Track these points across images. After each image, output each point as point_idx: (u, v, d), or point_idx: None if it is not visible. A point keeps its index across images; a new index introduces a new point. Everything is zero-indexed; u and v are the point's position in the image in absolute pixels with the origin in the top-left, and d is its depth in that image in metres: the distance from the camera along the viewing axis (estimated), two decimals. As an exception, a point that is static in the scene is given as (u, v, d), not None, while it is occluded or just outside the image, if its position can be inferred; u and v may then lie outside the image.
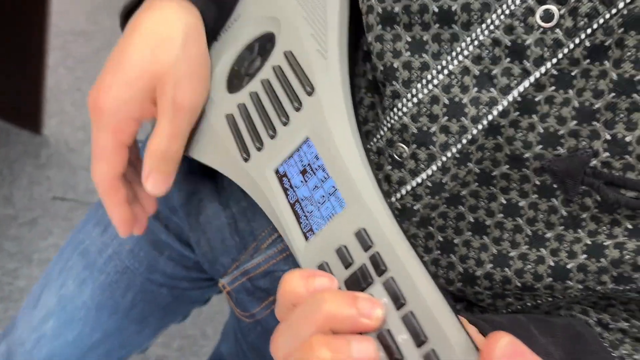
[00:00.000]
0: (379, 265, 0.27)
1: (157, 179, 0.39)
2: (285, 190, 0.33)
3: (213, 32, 0.43)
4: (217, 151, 0.39)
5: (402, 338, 0.25)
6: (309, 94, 0.34)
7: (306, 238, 0.31)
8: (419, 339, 0.24)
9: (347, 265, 0.28)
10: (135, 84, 0.37)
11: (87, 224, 0.59)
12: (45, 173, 1.38)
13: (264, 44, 0.39)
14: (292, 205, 0.32)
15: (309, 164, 0.32)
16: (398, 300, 0.25)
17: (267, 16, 0.40)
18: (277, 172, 0.34)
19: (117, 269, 0.57)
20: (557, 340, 0.32)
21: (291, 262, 0.47)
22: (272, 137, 0.35)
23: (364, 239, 0.28)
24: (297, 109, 0.34)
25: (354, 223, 0.29)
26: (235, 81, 0.40)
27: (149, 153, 0.38)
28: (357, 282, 0.27)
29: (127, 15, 0.42)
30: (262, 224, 0.49)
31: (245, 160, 0.35)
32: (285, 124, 0.34)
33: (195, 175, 0.52)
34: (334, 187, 0.30)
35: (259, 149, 0.35)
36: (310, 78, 0.34)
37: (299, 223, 0.31)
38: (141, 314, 0.58)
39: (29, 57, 1.34)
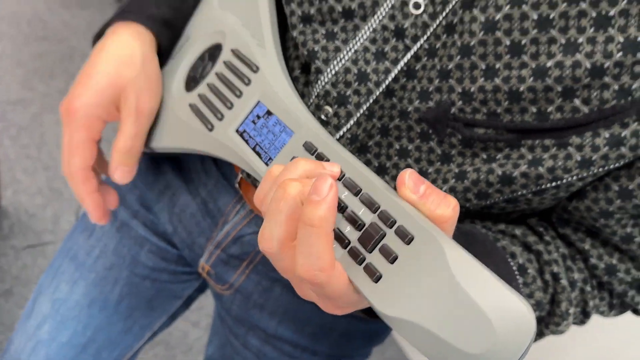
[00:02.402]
0: (322, 158, 0.36)
1: (124, 171, 0.48)
2: (246, 141, 0.43)
3: (167, 50, 0.53)
4: (183, 132, 0.48)
5: (361, 211, 0.32)
6: (255, 71, 0.44)
7: (267, 165, 0.40)
8: (374, 207, 0.31)
9: None
10: (103, 92, 0.47)
11: (74, 234, 0.65)
12: (10, 243, 1.39)
13: (213, 52, 0.49)
14: (253, 148, 0.42)
15: (261, 118, 0.42)
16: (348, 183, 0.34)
17: (213, 31, 0.50)
18: (237, 131, 0.44)
19: (104, 266, 0.63)
20: (454, 235, 0.41)
21: (254, 224, 0.55)
22: (229, 108, 0.45)
23: (309, 146, 0.37)
24: (247, 84, 0.44)
25: (301, 140, 0.38)
26: (192, 83, 0.50)
27: (116, 150, 0.47)
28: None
29: (95, 41, 0.52)
30: (226, 201, 0.57)
31: (210, 130, 0.45)
32: (239, 96, 0.44)
33: (166, 175, 0.60)
34: (283, 125, 0.40)
35: (220, 119, 0.45)
36: (254, 61, 0.44)
37: (261, 158, 0.41)
38: (128, 307, 0.64)
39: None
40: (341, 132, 0.43)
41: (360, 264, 0.31)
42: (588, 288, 0.45)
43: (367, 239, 0.31)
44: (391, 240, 0.30)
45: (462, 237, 0.41)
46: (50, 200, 1.50)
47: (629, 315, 0.49)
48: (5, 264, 1.35)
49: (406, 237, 0.29)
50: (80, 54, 1.95)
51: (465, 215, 0.47)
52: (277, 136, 0.41)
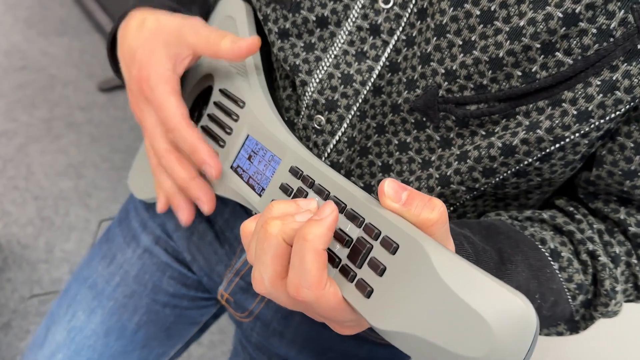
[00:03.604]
0: (308, 180, 0.36)
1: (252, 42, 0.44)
2: (240, 175, 0.44)
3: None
4: None
5: (348, 227, 0.32)
6: (242, 107, 0.45)
7: (260, 196, 0.41)
8: (359, 221, 0.31)
9: (289, 192, 0.38)
10: (160, 48, 0.44)
11: (92, 262, 0.64)
12: (6, 276, 1.38)
13: (206, 96, 0.51)
14: (247, 182, 0.43)
15: (252, 151, 0.43)
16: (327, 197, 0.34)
17: (202, 76, 0.52)
18: (232, 167, 0.45)
19: (124, 293, 0.62)
20: (474, 230, 0.40)
21: None
22: (222, 146, 0.46)
23: (295, 170, 0.38)
24: (236, 120, 0.46)
25: (287, 166, 0.39)
26: None
27: (226, 42, 0.44)
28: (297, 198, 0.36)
29: (112, 45, 0.51)
30: None
31: None
32: (229, 133, 0.46)
33: None
34: (271, 154, 0.41)
35: None
36: (240, 97, 0.46)
37: (254, 190, 0.42)
38: (145, 336, 0.62)
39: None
40: (337, 137, 0.44)
41: (352, 281, 0.30)
42: (634, 260, 0.43)
43: (356, 254, 0.30)
44: (378, 252, 0.29)
45: (484, 230, 0.40)
46: (42, 229, 1.49)
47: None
48: (2, 297, 1.34)
49: (391, 247, 0.29)
50: (61, 82, 1.95)
51: (484, 204, 0.47)
52: (268, 165, 0.41)
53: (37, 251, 1.45)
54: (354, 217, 0.32)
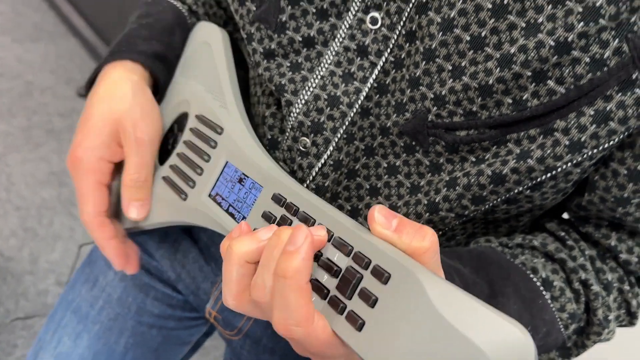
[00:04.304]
0: (292, 208, 0.35)
1: (136, 206, 0.47)
2: (219, 204, 0.42)
3: (165, 82, 0.52)
4: (159, 207, 0.47)
5: (336, 256, 0.30)
6: (220, 133, 0.44)
7: None
8: (347, 250, 0.30)
9: (271, 220, 0.36)
10: (101, 132, 0.46)
11: (75, 285, 0.63)
12: (-10, 290, 1.35)
13: (181, 121, 0.50)
14: (227, 210, 0.41)
15: (231, 178, 0.41)
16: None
17: (178, 102, 0.51)
18: (210, 195, 0.43)
19: (109, 316, 0.61)
20: (464, 261, 0.39)
21: None
22: (200, 174, 0.44)
23: (278, 198, 0.36)
24: (214, 147, 0.44)
25: (269, 193, 0.37)
26: (164, 156, 0.50)
27: (124, 185, 0.46)
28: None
29: (87, 90, 0.51)
30: None
31: (184, 199, 0.45)
32: (207, 160, 0.44)
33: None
34: (252, 182, 0.39)
35: (192, 187, 0.44)
36: (218, 124, 0.44)
37: (234, 218, 0.40)
38: (133, 359, 0.61)
39: None
40: (322, 160, 0.42)
41: (341, 313, 0.29)
42: (626, 287, 0.42)
43: (345, 284, 0.29)
44: (369, 282, 0.28)
45: (474, 260, 0.39)
46: (25, 240, 1.46)
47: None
48: (-13, 312, 1.31)
49: (382, 276, 0.27)
50: (39, 89, 1.91)
51: (474, 227, 0.45)
52: (249, 193, 0.40)
53: (22, 263, 1.42)
54: (342, 246, 0.30)
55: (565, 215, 0.47)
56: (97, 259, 0.64)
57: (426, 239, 0.28)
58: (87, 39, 2.13)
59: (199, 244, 0.58)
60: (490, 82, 0.35)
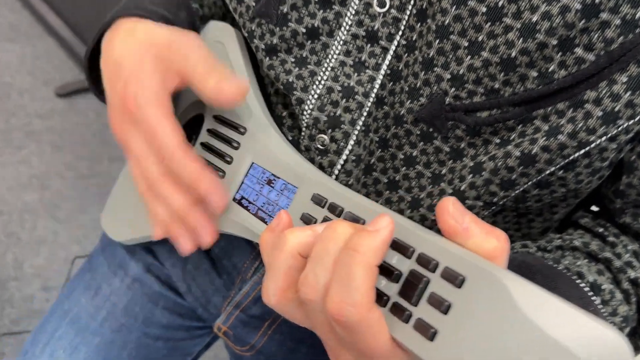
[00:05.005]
0: (336, 209, 0.33)
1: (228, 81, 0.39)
2: (245, 207, 0.40)
3: None
4: None
5: (395, 259, 0.28)
6: (243, 133, 0.42)
7: None
8: (408, 251, 0.27)
9: (312, 223, 0.34)
10: (150, 66, 0.39)
11: (73, 293, 0.59)
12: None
13: (195, 124, 0.47)
14: (256, 214, 0.39)
15: (258, 180, 0.39)
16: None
17: (191, 103, 0.48)
18: (234, 199, 0.41)
19: (112, 328, 0.57)
20: None
21: None
22: (222, 177, 0.42)
23: (318, 198, 0.34)
24: (237, 148, 0.42)
25: (307, 194, 0.35)
26: None
27: (201, 77, 0.39)
28: None
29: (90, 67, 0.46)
30: (242, 257, 0.53)
31: None
32: (230, 162, 0.42)
33: None
34: (283, 183, 0.37)
35: None
36: (240, 123, 0.42)
37: (265, 223, 0.38)
38: None
39: None
40: (344, 157, 0.40)
41: (407, 322, 0.26)
42: None
43: (410, 290, 0.26)
44: (438, 286, 0.26)
45: (516, 270, 0.35)
46: (9, 246, 1.43)
47: None
48: (-28, 320, 1.28)
49: (456, 279, 0.25)
50: (16, 90, 1.87)
51: (505, 222, 0.43)
52: (280, 195, 0.37)
53: (6, 269, 1.39)
54: (401, 247, 0.28)
55: (594, 208, 0.45)
56: (99, 266, 0.60)
57: (501, 239, 0.26)
58: (64, 38, 2.09)
59: (210, 255, 0.55)
60: (513, 54, 0.33)
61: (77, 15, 2.04)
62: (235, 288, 0.54)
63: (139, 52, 0.39)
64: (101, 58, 0.43)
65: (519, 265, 0.37)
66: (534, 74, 0.33)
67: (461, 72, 0.34)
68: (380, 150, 0.40)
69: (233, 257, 0.53)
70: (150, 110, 0.38)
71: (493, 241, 0.26)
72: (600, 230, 0.42)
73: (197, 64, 0.39)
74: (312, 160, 0.42)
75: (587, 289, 0.37)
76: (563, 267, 0.39)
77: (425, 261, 0.26)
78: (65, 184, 1.62)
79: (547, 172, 0.36)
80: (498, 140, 0.36)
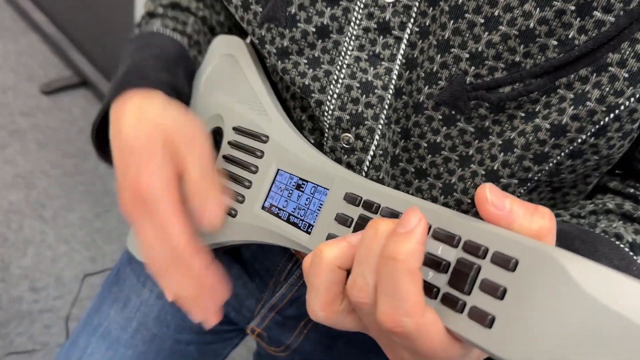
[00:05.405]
0: (372, 205, 0.33)
1: (213, 205, 0.39)
2: (276, 215, 0.39)
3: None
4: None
5: (440, 249, 0.28)
6: (265, 142, 0.41)
7: (309, 233, 0.37)
8: (454, 240, 0.27)
9: (348, 223, 0.34)
10: (155, 149, 0.38)
11: (102, 307, 0.59)
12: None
13: (215, 138, 0.47)
14: (287, 220, 0.38)
15: (286, 186, 0.39)
16: None
17: (208, 117, 0.47)
18: (263, 207, 0.40)
19: (144, 339, 0.57)
20: None
21: None
22: (248, 187, 0.42)
23: (352, 197, 0.34)
24: (260, 157, 0.41)
25: (340, 194, 0.35)
26: None
27: (192, 189, 0.38)
28: (361, 228, 0.32)
29: (98, 139, 0.46)
30: (275, 260, 0.52)
31: (234, 216, 0.42)
32: (255, 172, 0.42)
33: None
34: (313, 186, 0.37)
35: (241, 202, 0.42)
36: (262, 132, 0.42)
37: (299, 228, 0.37)
38: None
39: None
40: (371, 152, 0.40)
41: (461, 312, 0.26)
42: None
43: (460, 279, 0.26)
44: (490, 272, 0.25)
45: (557, 241, 0.37)
46: (-5, 247, 1.41)
47: None
48: (-42, 323, 1.26)
49: (509, 263, 0.24)
50: (0, 88, 1.84)
51: (540, 198, 0.43)
52: (311, 198, 0.37)
53: (-8, 270, 1.37)
54: (445, 236, 0.27)
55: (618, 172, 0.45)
56: (127, 278, 0.60)
57: (546, 217, 0.26)
58: (48, 34, 2.06)
59: (242, 259, 0.55)
60: (532, 25, 0.33)
61: (61, 10, 2.01)
62: (269, 291, 0.54)
63: (150, 138, 0.39)
64: (111, 133, 0.42)
65: (558, 236, 0.37)
66: (554, 42, 0.33)
67: (480, 49, 0.35)
68: (403, 140, 0.40)
69: (265, 261, 0.53)
70: (162, 205, 0.37)
71: (539, 220, 0.26)
72: (631, 191, 0.42)
73: (196, 166, 0.39)
74: (338, 160, 0.41)
75: (627, 249, 0.37)
76: (600, 230, 0.39)
77: (474, 248, 0.26)
78: (52, 183, 1.59)
79: (579, 140, 0.36)
80: (523, 114, 0.36)
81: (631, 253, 0.37)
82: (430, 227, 0.28)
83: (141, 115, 0.40)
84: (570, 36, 0.33)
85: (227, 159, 0.45)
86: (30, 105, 1.82)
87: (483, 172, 0.38)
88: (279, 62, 0.41)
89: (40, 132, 1.73)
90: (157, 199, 0.37)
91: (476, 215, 0.31)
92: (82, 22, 1.88)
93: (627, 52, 0.32)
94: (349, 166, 0.41)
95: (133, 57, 0.48)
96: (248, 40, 0.50)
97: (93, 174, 1.66)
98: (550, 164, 0.37)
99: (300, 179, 0.39)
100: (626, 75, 0.33)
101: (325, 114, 0.40)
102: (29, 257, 1.41)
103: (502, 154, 0.37)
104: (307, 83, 0.40)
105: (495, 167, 0.37)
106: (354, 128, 0.39)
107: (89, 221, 1.54)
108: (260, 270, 0.54)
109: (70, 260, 1.43)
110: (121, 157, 0.40)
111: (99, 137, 0.48)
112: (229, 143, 0.45)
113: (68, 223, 1.51)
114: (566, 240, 0.36)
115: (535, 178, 0.38)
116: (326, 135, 0.41)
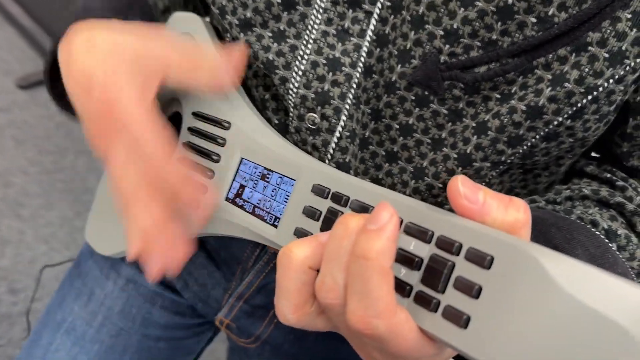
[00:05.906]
0: (341, 198, 0.31)
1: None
2: (241, 207, 0.38)
3: None
4: None
5: (412, 245, 0.27)
6: (227, 128, 0.39)
7: (275, 227, 0.35)
8: (427, 235, 0.26)
9: (316, 216, 0.32)
10: (131, 70, 0.35)
11: (64, 302, 0.56)
12: None
13: (173, 123, 0.44)
14: (252, 213, 0.37)
15: (250, 176, 0.38)
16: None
17: (165, 102, 0.45)
18: (227, 198, 0.39)
19: (110, 333, 0.55)
20: None
21: None
22: (211, 177, 0.40)
23: (320, 189, 0.33)
24: (223, 144, 0.39)
25: (307, 185, 0.33)
26: None
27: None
28: (331, 221, 0.31)
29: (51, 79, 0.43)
30: (241, 247, 0.50)
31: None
32: (217, 161, 0.40)
33: None
34: (279, 176, 0.36)
35: (203, 193, 0.39)
36: (223, 118, 0.40)
37: (265, 221, 0.36)
38: None
39: None
40: (337, 134, 0.38)
41: (435, 311, 0.25)
42: None
43: (433, 276, 0.25)
44: (464, 269, 0.24)
45: (533, 228, 0.35)
46: (-29, 247, 1.37)
47: None
48: None
49: (484, 260, 0.24)
50: (-26, 82, 1.79)
51: (512, 180, 0.42)
52: (277, 190, 0.36)
53: (-32, 271, 1.33)
54: (417, 231, 0.26)
55: (594, 155, 0.45)
56: (89, 270, 0.57)
57: (521, 210, 0.25)
58: (25, 27, 2.01)
59: (205, 248, 0.52)
60: (510, 1, 0.31)
61: (38, 2, 1.96)
62: (236, 279, 0.52)
63: (109, 62, 0.35)
64: (63, 73, 0.38)
65: (534, 223, 0.36)
66: (533, 19, 0.32)
67: (455, 26, 0.33)
68: (373, 122, 0.38)
69: (231, 248, 0.51)
70: (134, 117, 0.34)
71: (513, 212, 0.25)
72: (608, 175, 0.41)
73: (180, 63, 0.37)
74: (304, 142, 0.40)
75: (602, 236, 0.37)
76: (576, 217, 0.38)
77: (447, 244, 0.25)
78: (30, 180, 1.56)
79: (555, 122, 0.35)
80: (498, 96, 0.35)
81: (607, 240, 0.37)
82: (402, 222, 0.27)
83: (92, 45, 0.36)
84: (550, 13, 0.32)
85: (187, 146, 0.42)
86: (6, 100, 1.77)
87: (455, 156, 0.37)
88: (241, 34, 0.39)
89: (17, 129, 1.69)
90: (125, 112, 0.33)
91: (446, 198, 0.28)
92: (59, 14, 1.84)
93: (608, 31, 0.31)
94: (314, 147, 0.40)
95: (84, 2, 0.44)
96: (208, 19, 0.47)
97: (72, 171, 1.62)
98: (525, 147, 0.36)
99: (266, 168, 0.37)
100: (606, 55, 0.32)
101: (290, 92, 0.38)
102: (7, 257, 1.37)
103: (475, 137, 0.36)
104: (271, 58, 0.38)
105: (468, 151, 0.36)
106: (319, 107, 0.38)
107: (69, 220, 1.50)
108: (226, 258, 0.52)
109: (50, 261, 1.40)
110: (80, 88, 0.36)
111: (55, 92, 0.45)
112: (189, 129, 0.42)
113: (47, 222, 1.47)
114: (542, 227, 0.36)
115: (509, 161, 0.37)
116: (291, 115, 0.39)
